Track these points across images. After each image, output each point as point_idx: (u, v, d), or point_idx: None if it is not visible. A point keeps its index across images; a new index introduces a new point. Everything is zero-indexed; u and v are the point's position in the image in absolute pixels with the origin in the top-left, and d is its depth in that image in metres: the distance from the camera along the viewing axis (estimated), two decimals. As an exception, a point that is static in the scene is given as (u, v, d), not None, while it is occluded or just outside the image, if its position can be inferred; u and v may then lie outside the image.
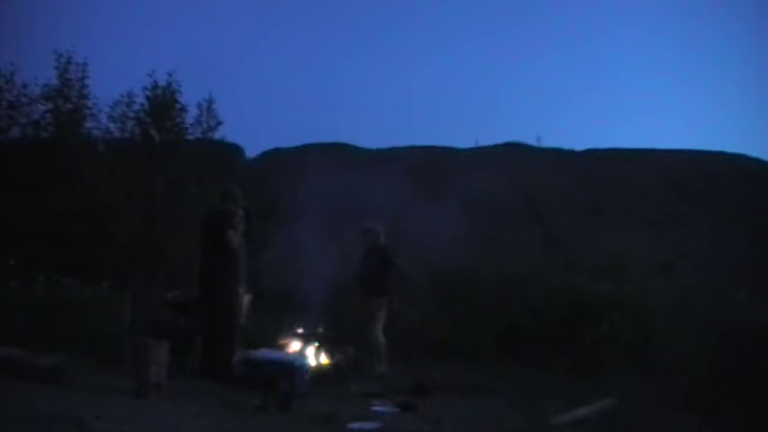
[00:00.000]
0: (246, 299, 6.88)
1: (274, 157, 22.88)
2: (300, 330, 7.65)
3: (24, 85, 12.96)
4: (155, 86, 13.65)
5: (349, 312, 8.00)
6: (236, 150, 18.77)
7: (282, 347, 7.36)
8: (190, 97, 14.21)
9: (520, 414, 5.91)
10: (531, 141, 25.82)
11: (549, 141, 28.20)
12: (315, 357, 7.40)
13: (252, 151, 21.51)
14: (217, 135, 14.47)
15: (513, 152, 24.91)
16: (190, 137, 14.21)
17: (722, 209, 21.91)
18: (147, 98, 13.66)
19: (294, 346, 7.44)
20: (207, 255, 6.70)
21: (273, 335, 7.56)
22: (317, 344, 7.52)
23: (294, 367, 6.13)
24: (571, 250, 16.10)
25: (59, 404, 4.47)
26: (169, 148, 13.79)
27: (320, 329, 7.68)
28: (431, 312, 9.40)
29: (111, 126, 13.63)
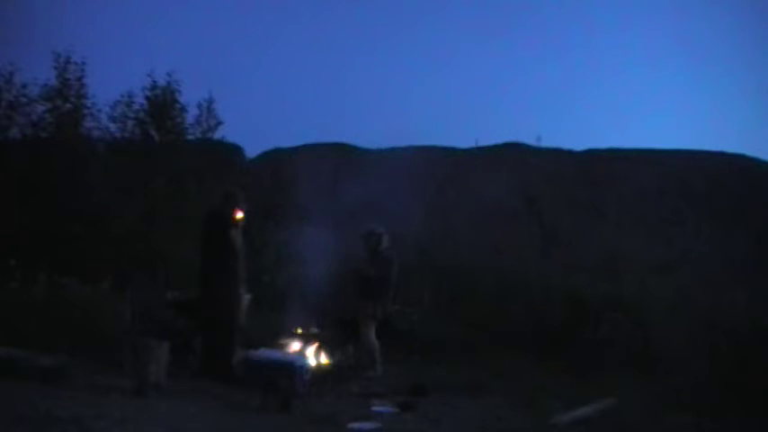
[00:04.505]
0: (246, 299, 6.88)
1: (274, 157, 22.82)
2: (300, 330, 7.65)
3: (23, 85, 12.96)
4: (154, 86, 13.66)
5: (349, 312, 8.00)
6: (236, 150, 18.75)
7: (282, 347, 7.36)
8: (190, 97, 14.18)
9: (520, 414, 5.92)
10: (531, 141, 25.69)
11: (549, 141, 28.07)
12: (315, 357, 7.40)
13: (252, 151, 21.42)
14: (217, 135, 14.46)
15: (513, 152, 24.83)
16: (190, 137, 14.19)
17: (722, 209, 21.86)
18: (147, 98, 13.66)
19: (294, 346, 7.45)
20: (208, 254, 6.70)
21: (273, 335, 7.56)
22: (316, 344, 7.53)
23: (294, 367, 6.12)
24: (571, 250, 16.07)
25: (59, 404, 4.47)
26: (169, 148, 13.79)
27: (314, 330, 7.67)
28: (431, 312, 9.41)
29: (111, 126, 13.64)
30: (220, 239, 6.56)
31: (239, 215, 6.69)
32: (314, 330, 7.69)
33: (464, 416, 5.78)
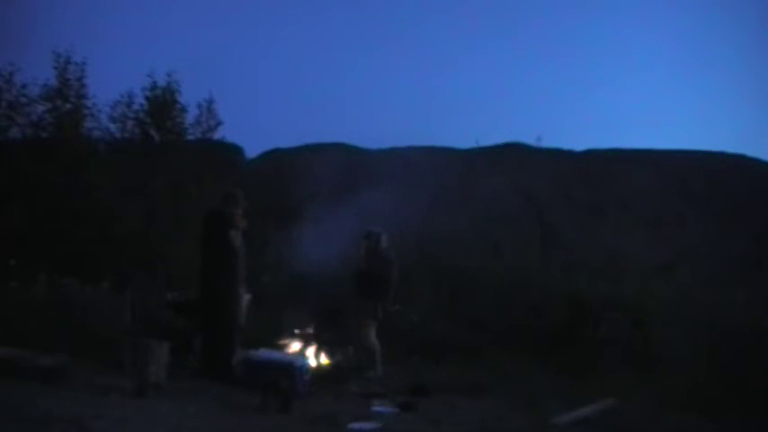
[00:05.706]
0: (246, 299, 6.89)
1: (275, 157, 22.79)
2: (300, 330, 7.66)
3: (23, 85, 12.95)
4: (154, 86, 13.65)
5: (349, 313, 8.01)
6: (236, 150, 18.74)
7: (282, 347, 7.37)
8: (190, 97, 14.15)
9: (520, 414, 5.92)
10: (531, 141, 25.60)
11: (549, 141, 27.93)
12: (315, 357, 7.41)
13: (252, 151, 21.38)
14: (217, 135, 14.44)
15: (513, 152, 24.80)
16: (190, 137, 14.18)
17: (722, 209, 21.83)
18: (147, 98, 13.65)
19: (294, 346, 7.45)
20: (207, 255, 6.70)
21: (273, 335, 7.57)
22: (316, 344, 7.53)
23: (294, 367, 6.13)
24: (571, 250, 16.06)
25: (59, 404, 4.47)
26: (169, 149, 13.78)
27: (311, 330, 7.67)
28: (431, 312, 9.41)
29: (111, 126, 13.63)
30: (220, 239, 6.56)
31: (240, 216, 6.70)
32: (312, 330, 7.70)
33: (464, 416, 5.78)
